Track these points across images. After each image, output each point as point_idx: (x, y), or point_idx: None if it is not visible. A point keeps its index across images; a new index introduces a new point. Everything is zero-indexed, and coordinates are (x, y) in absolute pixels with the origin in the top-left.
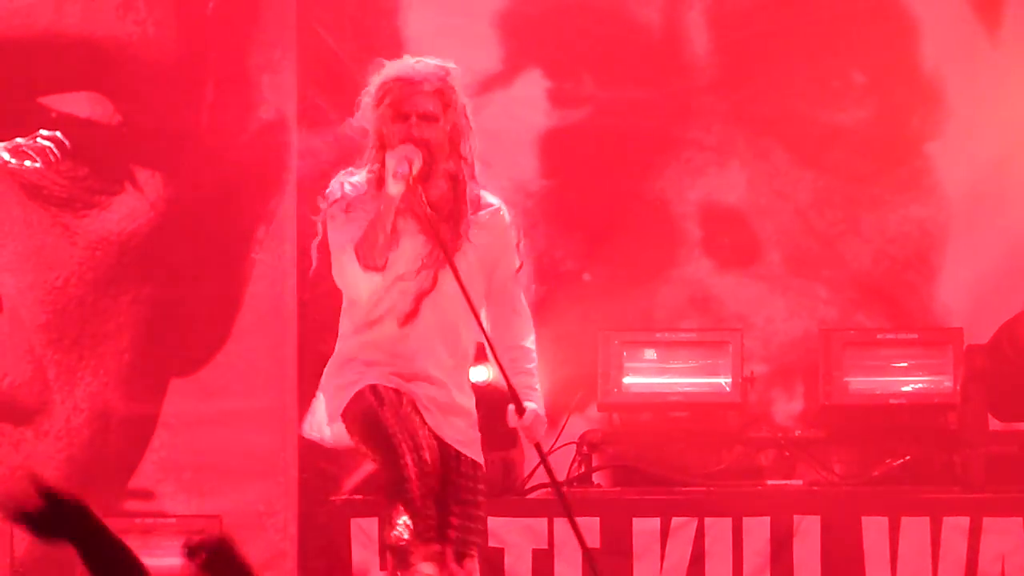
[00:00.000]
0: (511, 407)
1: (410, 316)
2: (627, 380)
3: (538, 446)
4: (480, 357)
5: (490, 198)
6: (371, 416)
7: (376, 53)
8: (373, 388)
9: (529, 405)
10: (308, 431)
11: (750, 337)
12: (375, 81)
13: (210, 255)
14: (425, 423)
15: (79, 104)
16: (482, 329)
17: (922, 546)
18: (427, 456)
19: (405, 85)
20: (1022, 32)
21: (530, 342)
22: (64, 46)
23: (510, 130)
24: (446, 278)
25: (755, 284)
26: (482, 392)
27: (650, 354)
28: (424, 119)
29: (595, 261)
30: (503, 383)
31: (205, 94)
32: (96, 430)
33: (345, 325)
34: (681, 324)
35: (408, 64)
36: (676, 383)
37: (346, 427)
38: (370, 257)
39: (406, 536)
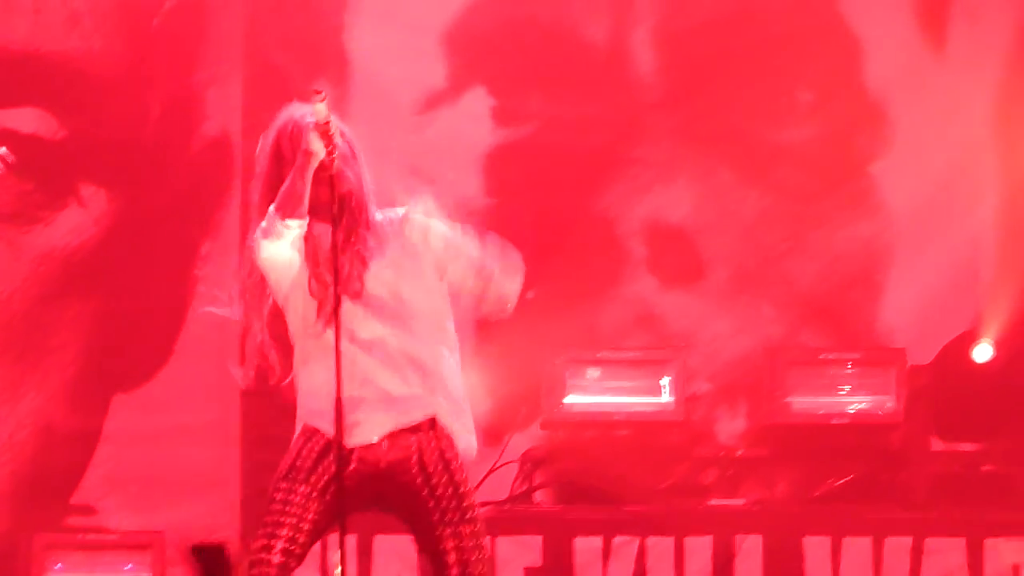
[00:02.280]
0: None
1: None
2: (570, 398)
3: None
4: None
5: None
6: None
7: (322, 69)
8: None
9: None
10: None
11: (694, 355)
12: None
13: (154, 270)
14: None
15: (24, 119)
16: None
17: (864, 566)
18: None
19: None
20: (967, 51)
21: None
22: (9, 61)
23: (455, 147)
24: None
25: (700, 302)
26: None
27: (593, 372)
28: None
29: (539, 279)
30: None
31: (151, 109)
32: (40, 445)
33: None
34: (625, 342)
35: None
36: (619, 401)
37: None
38: (290, 207)
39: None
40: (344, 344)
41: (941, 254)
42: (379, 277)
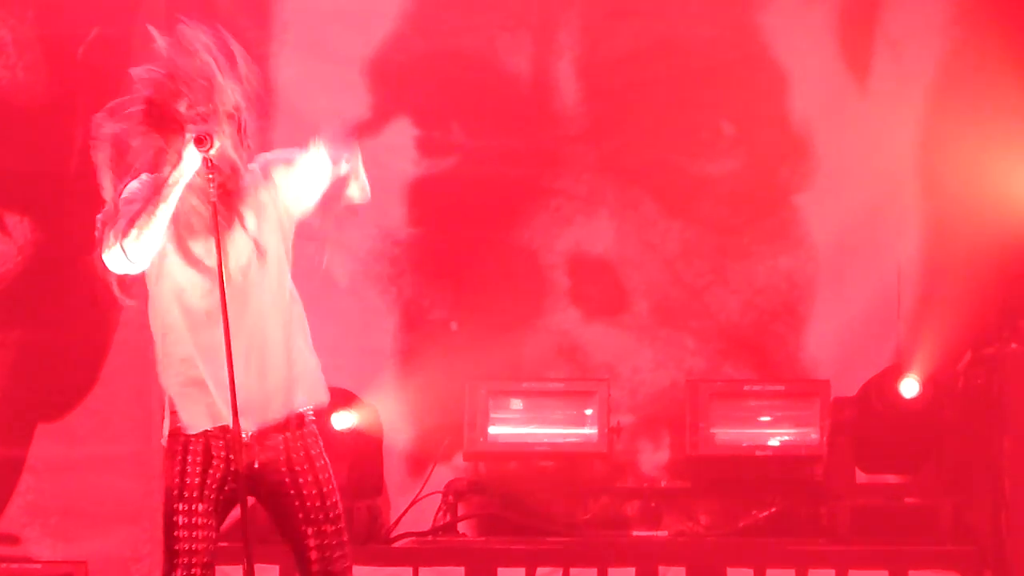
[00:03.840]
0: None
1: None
2: (493, 429)
3: None
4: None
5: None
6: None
7: (245, 98)
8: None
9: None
10: None
11: (617, 387)
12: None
13: (78, 300)
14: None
15: None
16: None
17: None
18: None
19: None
20: (890, 83)
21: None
22: None
23: (378, 178)
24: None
25: (622, 334)
26: (348, 438)
27: (516, 403)
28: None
29: (462, 310)
30: (371, 429)
31: (74, 138)
32: None
33: None
34: (548, 373)
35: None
36: (542, 432)
37: None
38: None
39: None
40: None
41: (864, 286)
42: (242, 251)
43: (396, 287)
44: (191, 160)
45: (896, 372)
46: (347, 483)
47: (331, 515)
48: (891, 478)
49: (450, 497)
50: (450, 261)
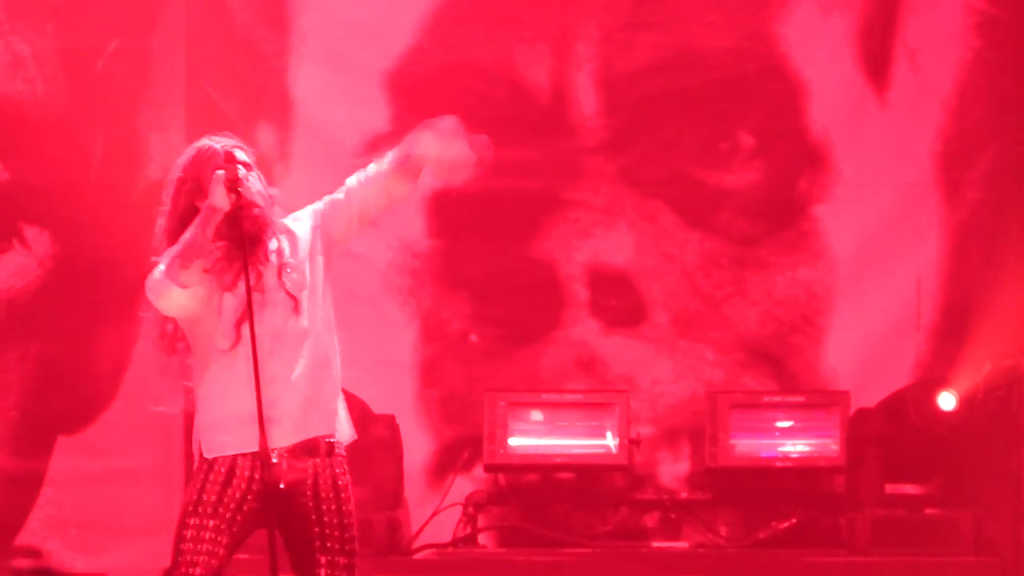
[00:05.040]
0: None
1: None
2: (513, 441)
3: None
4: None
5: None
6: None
7: (265, 113)
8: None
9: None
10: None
11: (636, 399)
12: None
13: (98, 313)
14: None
15: None
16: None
17: None
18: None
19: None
20: (910, 93)
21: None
22: None
23: None
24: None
25: (642, 346)
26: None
27: (536, 415)
28: (244, 166)
29: (482, 322)
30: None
31: (94, 152)
32: None
33: None
34: (567, 385)
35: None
36: (562, 444)
37: None
38: (191, 259)
39: None
40: (242, 365)
41: (884, 297)
42: (288, 278)
43: (416, 299)
44: (220, 198)
45: (930, 384)
46: (367, 495)
47: (347, 548)
48: (911, 489)
49: (470, 509)
50: (469, 273)
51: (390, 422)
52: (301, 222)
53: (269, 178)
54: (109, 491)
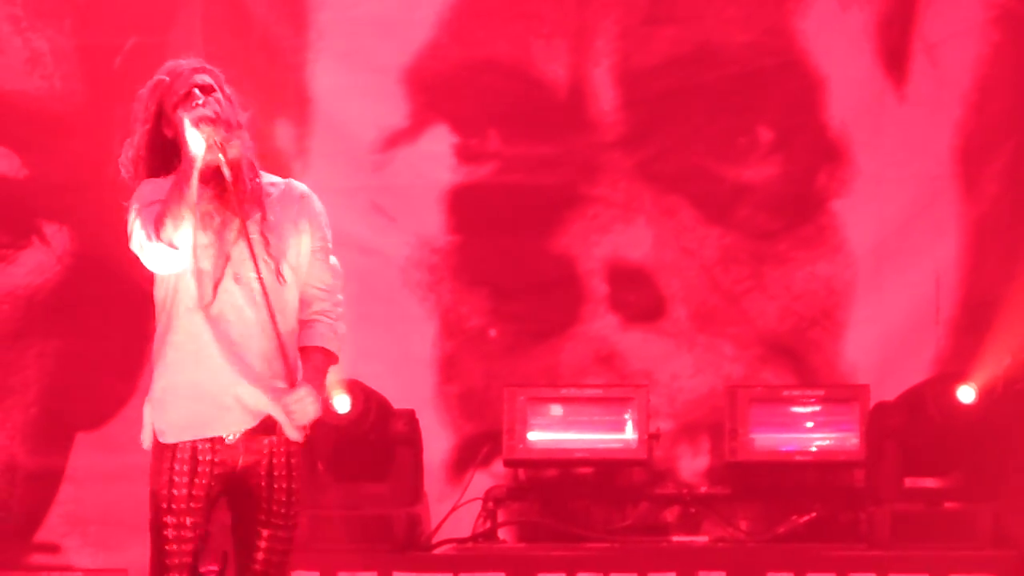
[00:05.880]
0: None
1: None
2: (532, 436)
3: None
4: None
5: (273, 177)
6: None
7: (283, 109)
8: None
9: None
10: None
11: (655, 393)
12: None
13: (116, 309)
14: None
15: None
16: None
17: None
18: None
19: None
20: (928, 88)
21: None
22: None
23: (416, 185)
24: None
25: (661, 340)
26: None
27: (556, 410)
28: (205, 90)
29: (501, 317)
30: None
31: (112, 148)
32: (1, 483)
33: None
34: (587, 380)
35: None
36: (581, 439)
37: None
38: (177, 216)
39: None
40: (210, 329)
41: (903, 292)
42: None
43: (434, 294)
44: (194, 145)
45: (950, 378)
46: (387, 491)
47: (290, 523)
48: (931, 482)
49: (490, 504)
50: (488, 268)
51: (410, 417)
52: (288, 198)
53: (286, 173)
54: (128, 487)
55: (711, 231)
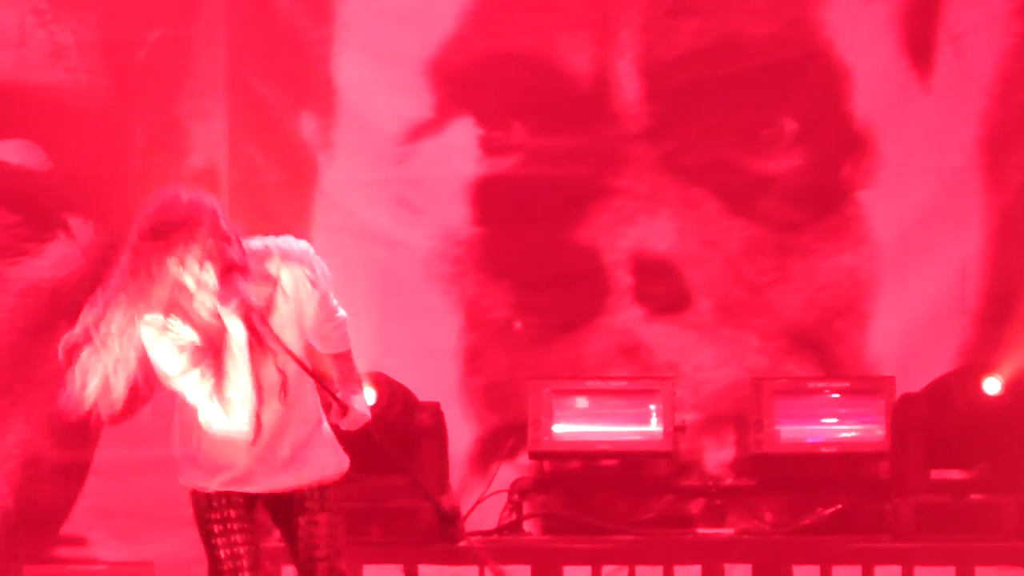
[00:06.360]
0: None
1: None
2: (557, 428)
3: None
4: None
5: (254, 243)
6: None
7: (308, 101)
8: None
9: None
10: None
11: (680, 385)
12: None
13: None
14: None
15: (11, 151)
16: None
17: None
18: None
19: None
20: (954, 79)
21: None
22: None
23: (440, 178)
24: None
25: (685, 332)
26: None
27: (581, 402)
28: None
29: (525, 309)
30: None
31: (136, 141)
32: (27, 477)
33: None
34: (611, 372)
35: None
36: (606, 431)
37: None
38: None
39: None
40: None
41: (928, 283)
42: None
43: (459, 287)
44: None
45: (976, 369)
46: (413, 484)
47: (327, 506)
48: (957, 474)
49: (515, 496)
50: (513, 260)
51: (435, 410)
52: (289, 268)
53: (312, 168)
54: (154, 480)
55: (735, 223)
